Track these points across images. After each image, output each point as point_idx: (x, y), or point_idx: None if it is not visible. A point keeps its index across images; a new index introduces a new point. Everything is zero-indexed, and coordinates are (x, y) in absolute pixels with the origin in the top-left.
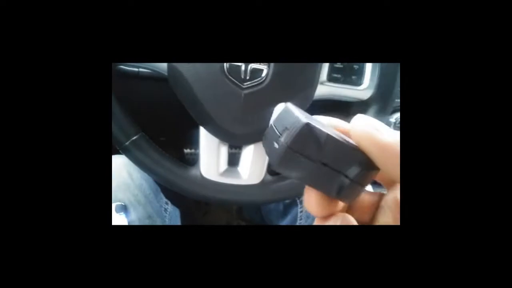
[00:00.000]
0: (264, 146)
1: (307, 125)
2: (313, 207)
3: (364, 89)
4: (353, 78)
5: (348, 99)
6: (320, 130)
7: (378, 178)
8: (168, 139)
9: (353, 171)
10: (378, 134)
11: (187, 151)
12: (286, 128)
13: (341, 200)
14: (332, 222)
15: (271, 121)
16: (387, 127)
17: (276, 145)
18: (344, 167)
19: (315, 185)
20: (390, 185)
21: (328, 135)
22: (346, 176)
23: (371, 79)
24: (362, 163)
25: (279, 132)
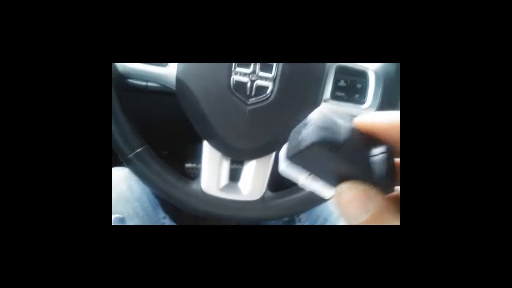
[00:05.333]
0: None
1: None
2: (353, 205)
3: (367, 108)
4: (356, 97)
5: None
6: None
7: None
8: (170, 153)
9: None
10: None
11: (188, 165)
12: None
13: (387, 183)
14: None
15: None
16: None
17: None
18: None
19: (356, 170)
20: None
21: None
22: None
23: (373, 98)
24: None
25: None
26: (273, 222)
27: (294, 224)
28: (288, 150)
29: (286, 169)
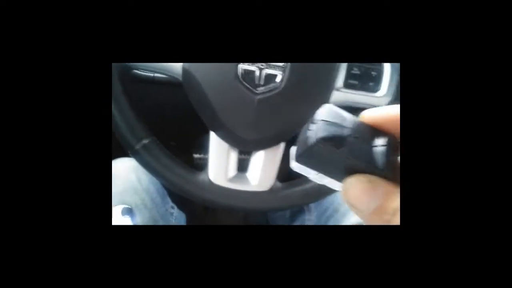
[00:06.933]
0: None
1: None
2: (361, 198)
3: (381, 96)
4: (370, 85)
5: (365, 106)
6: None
7: None
8: (178, 143)
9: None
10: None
11: (196, 156)
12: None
13: (387, 176)
14: (385, 219)
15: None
16: None
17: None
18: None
19: (359, 163)
20: None
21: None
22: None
23: (389, 86)
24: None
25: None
26: (280, 213)
27: (303, 214)
28: (296, 150)
29: (296, 167)
